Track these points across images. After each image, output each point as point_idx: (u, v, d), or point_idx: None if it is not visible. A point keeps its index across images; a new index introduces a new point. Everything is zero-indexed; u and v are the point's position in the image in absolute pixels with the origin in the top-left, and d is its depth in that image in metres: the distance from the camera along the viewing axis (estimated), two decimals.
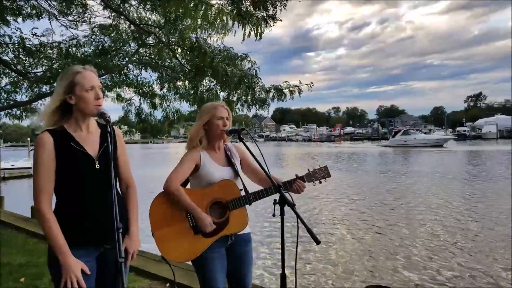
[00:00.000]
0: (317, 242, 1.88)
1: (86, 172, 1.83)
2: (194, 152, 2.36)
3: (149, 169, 22.87)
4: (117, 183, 2.03)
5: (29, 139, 48.88)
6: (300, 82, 7.22)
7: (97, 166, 1.85)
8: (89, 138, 1.90)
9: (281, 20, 6.86)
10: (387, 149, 46.92)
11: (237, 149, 2.54)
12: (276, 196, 2.12)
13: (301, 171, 2.49)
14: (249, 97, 7.11)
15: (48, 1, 7.03)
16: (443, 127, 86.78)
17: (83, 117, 1.89)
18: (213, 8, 4.23)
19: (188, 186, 2.42)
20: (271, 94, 7.24)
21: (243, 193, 2.34)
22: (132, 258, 1.94)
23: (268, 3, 6.33)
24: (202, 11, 4.05)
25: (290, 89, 7.15)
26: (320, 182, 2.46)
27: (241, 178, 2.42)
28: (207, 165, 2.34)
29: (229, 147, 2.51)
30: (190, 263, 2.33)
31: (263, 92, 7.19)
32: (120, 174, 2.05)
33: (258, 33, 5.25)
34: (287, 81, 7.28)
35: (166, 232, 2.25)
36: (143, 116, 8.27)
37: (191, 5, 3.99)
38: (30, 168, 27.00)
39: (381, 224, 9.82)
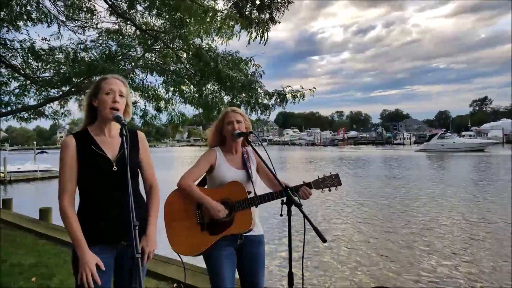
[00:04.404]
0: (324, 240, 1.93)
1: (104, 174, 1.93)
2: (210, 153, 2.48)
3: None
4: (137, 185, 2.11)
5: (35, 142, 49.39)
6: (301, 87, 7.21)
7: (115, 169, 1.94)
8: (110, 142, 2.00)
9: (279, 23, 6.96)
10: (420, 154, 44.62)
11: (254, 154, 2.57)
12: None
13: (305, 176, 2.51)
14: (252, 101, 7.15)
15: (57, 8, 7.17)
16: (449, 131, 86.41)
17: (104, 120, 1.99)
18: (220, 14, 4.32)
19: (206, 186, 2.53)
20: (273, 99, 7.24)
21: (253, 195, 2.38)
22: (148, 259, 1.99)
23: (273, 6, 6.43)
24: (209, 18, 4.14)
25: (293, 93, 7.16)
26: (330, 190, 2.37)
27: (252, 182, 2.45)
28: (221, 166, 2.45)
29: (247, 150, 2.57)
30: (197, 264, 2.39)
31: (266, 97, 7.22)
32: (144, 176, 2.15)
33: (264, 38, 5.32)
34: (289, 86, 7.30)
35: (175, 227, 2.39)
36: (147, 118, 8.34)
37: (200, 11, 4.09)
38: (36, 171, 27.33)
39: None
